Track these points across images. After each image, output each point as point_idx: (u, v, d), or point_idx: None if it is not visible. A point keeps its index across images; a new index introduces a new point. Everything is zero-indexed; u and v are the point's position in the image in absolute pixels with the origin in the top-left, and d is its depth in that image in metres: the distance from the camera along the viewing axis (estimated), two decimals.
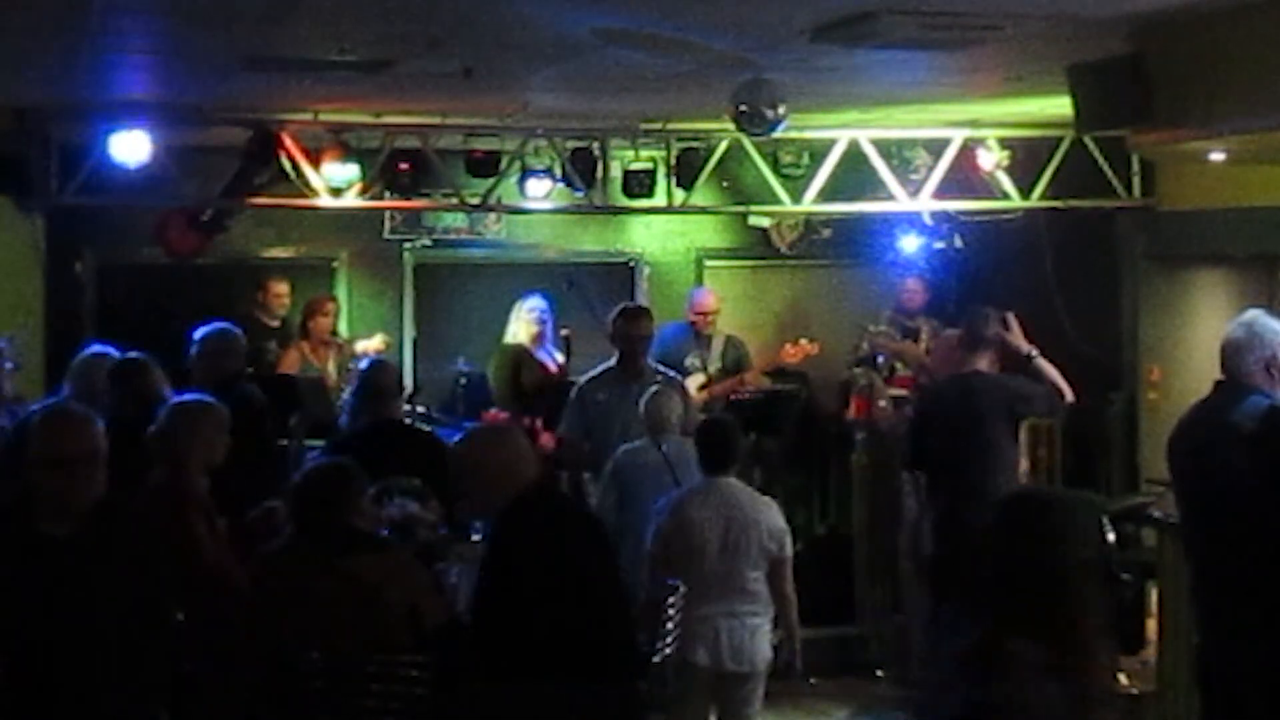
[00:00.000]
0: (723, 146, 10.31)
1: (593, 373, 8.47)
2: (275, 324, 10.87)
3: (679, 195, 10.47)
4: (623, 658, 5.28)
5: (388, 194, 10.20)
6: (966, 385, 7.55)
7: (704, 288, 11.39)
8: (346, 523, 5.45)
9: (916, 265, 11.32)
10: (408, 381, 10.01)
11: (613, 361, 8.34)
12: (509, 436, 5.52)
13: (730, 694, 6.63)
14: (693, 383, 10.17)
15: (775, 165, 10.86)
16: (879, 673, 9.28)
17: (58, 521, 4.69)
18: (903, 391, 9.68)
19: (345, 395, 8.60)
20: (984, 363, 7.53)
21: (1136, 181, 10.39)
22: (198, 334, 7.92)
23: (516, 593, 5.01)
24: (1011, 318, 7.67)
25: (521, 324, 10.45)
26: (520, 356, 10.26)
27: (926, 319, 10.81)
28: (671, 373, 8.63)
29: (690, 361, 10.50)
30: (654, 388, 7.72)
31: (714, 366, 10.62)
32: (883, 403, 9.65)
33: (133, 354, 7.37)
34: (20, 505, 4.76)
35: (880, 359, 10.00)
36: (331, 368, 10.58)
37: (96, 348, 7.77)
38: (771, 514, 6.67)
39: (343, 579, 5.18)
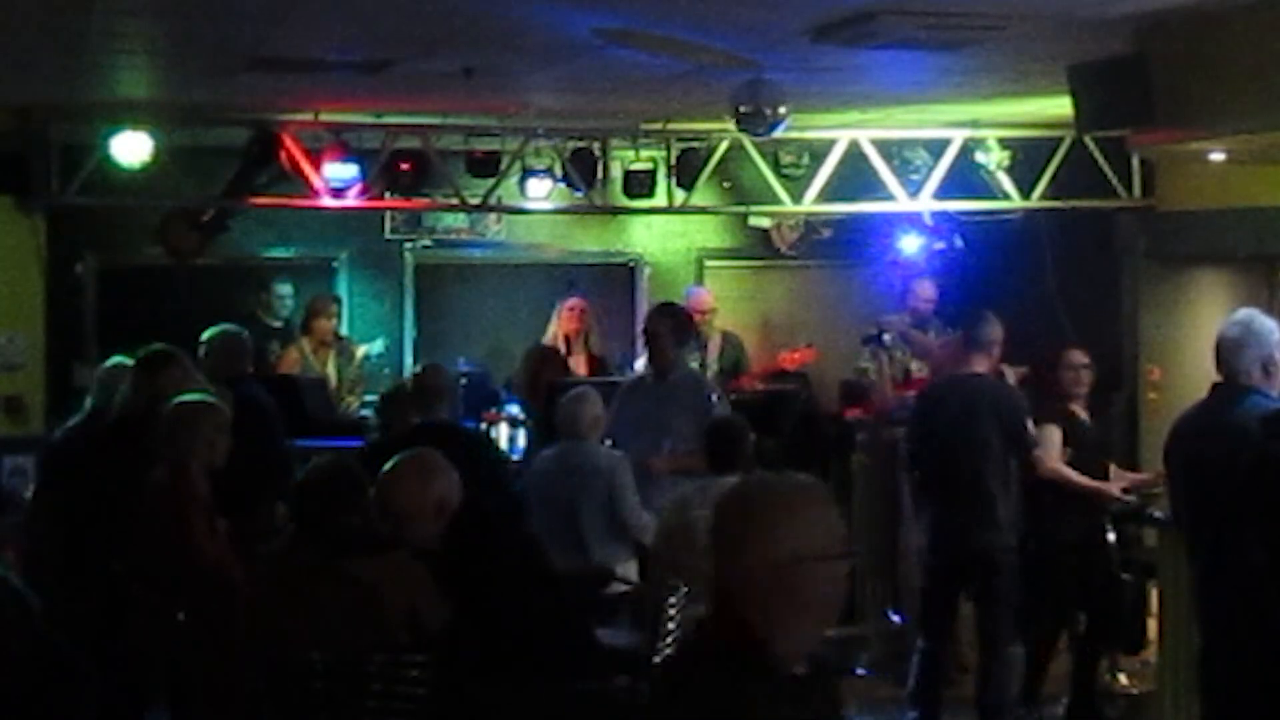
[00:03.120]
0: (723, 146, 10.32)
1: (634, 373, 8.47)
2: (278, 324, 10.87)
3: (679, 195, 10.47)
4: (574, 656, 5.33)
5: (388, 194, 10.21)
6: (963, 386, 7.57)
7: (700, 287, 11.33)
8: (347, 523, 5.44)
9: (922, 267, 11.28)
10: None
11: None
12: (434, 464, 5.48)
13: None
14: None
15: (775, 165, 10.86)
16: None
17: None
18: (911, 394, 9.63)
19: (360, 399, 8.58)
20: (982, 365, 7.54)
21: (1136, 181, 10.40)
22: (205, 334, 7.89)
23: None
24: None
25: (560, 320, 10.55)
26: (546, 357, 10.05)
27: (935, 320, 10.76)
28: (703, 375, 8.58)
29: None
30: (574, 390, 7.71)
31: (713, 368, 10.56)
32: (890, 385, 9.56)
33: (159, 347, 6.84)
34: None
35: (886, 338, 9.87)
36: (332, 368, 10.57)
37: (119, 358, 7.42)
38: None
39: (343, 579, 5.17)
